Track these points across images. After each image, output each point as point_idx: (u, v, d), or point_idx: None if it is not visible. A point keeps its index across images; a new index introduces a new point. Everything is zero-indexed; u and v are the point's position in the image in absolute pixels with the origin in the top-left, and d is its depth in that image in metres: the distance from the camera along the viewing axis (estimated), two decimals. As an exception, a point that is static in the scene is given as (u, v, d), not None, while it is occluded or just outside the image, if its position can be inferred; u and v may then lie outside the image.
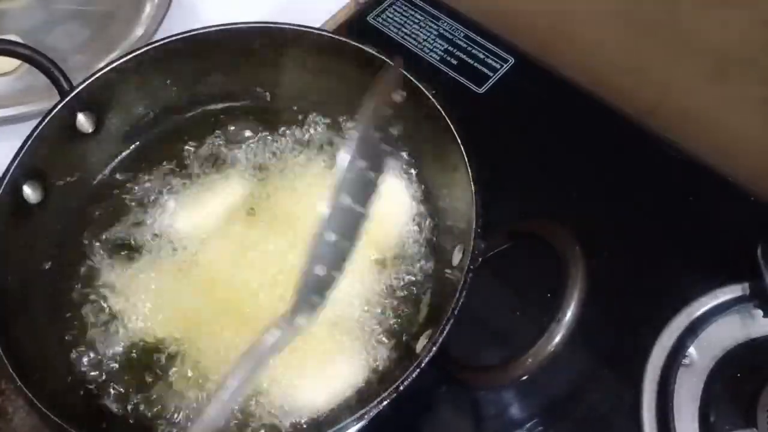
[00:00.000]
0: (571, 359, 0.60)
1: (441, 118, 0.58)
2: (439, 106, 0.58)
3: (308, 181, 0.63)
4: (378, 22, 0.85)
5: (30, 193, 0.56)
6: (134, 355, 0.55)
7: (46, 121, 0.57)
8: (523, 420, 0.60)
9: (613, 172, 0.74)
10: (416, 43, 0.83)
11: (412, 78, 0.59)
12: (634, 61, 0.78)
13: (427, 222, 0.61)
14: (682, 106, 0.76)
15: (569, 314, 0.47)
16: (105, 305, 0.57)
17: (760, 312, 0.64)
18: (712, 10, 0.68)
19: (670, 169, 0.74)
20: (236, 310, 0.56)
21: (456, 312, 0.49)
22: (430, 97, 0.58)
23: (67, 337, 0.55)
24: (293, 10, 0.84)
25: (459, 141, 0.56)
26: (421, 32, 0.84)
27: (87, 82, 0.59)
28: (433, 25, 0.85)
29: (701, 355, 0.62)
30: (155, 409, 0.53)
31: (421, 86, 0.59)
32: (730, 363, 0.62)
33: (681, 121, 0.76)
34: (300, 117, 0.67)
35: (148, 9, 0.84)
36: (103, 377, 0.54)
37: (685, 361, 0.62)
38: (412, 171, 0.63)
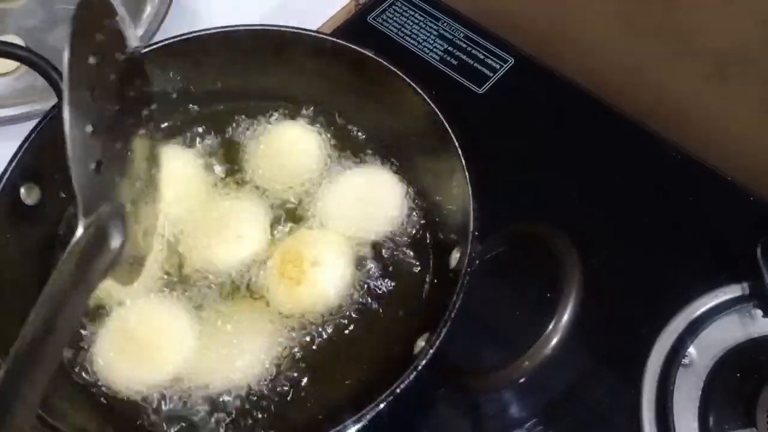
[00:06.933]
0: (571, 359, 0.60)
1: (438, 120, 0.57)
2: (435, 108, 0.58)
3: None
4: (378, 22, 0.85)
5: (27, 194, 0.56)
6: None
7: (44, 122, 0.57)
8: (523, 420, 0.60)
9: (613, 172, 0.73)
10: (416, 44, 0.83)
11: (410, 79, 0.59)
12: (633, 61, 0.78)
13: (424, 223, 0.61)
14: (682, 106, 0.76)
15: (566, 318, 0.47)
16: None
17: (760, 312, 0.64)
18: (711, 10, 0.68)
19: (669, 169, 0.74)
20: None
21: (453, 315, 0.49)
22: (426, 98, 0.58)
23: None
24: (293, 10, 0.84)
25: (456, 143, 0.56)
26: (421, 32, 0.84)
27: (85, 85, 0.59)
28: (433, 25, 0.85)
29: (701, 355, 0.62)
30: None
31: (418, 87, 0.59)
32: (730, 363, 0.62)
33: (680, 121, 0.76)
34: (296, 114, 0.67)
35: (148, 9, 0.84)
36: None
37: (685, 361, 0.62)
38: (409, 172, 0.63)
